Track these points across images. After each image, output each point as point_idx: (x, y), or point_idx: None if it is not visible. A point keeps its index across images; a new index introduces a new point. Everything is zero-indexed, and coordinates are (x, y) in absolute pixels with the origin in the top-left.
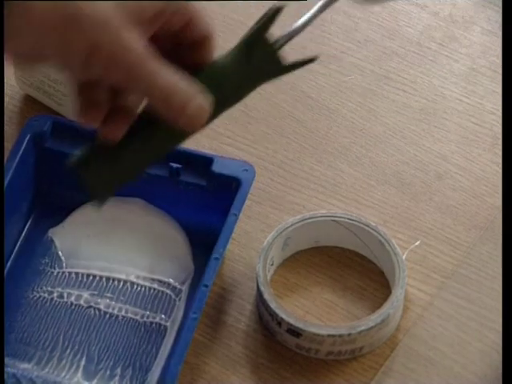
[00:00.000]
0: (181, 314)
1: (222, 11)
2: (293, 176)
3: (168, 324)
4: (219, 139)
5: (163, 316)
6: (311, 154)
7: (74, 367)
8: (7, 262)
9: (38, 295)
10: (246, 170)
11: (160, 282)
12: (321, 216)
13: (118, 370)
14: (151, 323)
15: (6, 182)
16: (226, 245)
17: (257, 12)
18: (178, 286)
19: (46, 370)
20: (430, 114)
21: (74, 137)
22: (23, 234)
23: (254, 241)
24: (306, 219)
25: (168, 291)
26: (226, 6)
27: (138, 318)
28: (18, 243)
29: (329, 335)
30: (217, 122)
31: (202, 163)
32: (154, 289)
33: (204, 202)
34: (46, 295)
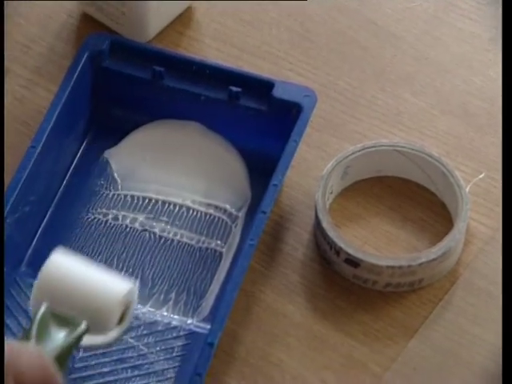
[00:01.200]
0: (236, 240)
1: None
2: (354, 104)
3: (223, 250)
4: (279, 64)
5: (219, 242)
6: (374, 81)
7: None
8: (63, 181)
9: (92, 216)
10: (308, 96)
11: (216, 207)
12: (382, 145)
13: (172, 295)
14: (206, 249)
15: (62, 101)
16: (285, 172)
17: None
18: (235, 213)
19: None
20: (499, 44)
21: (132, 57)
22: (78, 155)
23: (313, 169)
24: (367, 148)
25: (224, 217)
26: None
27: (193, 243)
28: (74, 164)
29: (388, 266)
30: (277, 46)
31: (262, 87)
32: (210, 214)
33: (263, 128)
34: (100, 217)
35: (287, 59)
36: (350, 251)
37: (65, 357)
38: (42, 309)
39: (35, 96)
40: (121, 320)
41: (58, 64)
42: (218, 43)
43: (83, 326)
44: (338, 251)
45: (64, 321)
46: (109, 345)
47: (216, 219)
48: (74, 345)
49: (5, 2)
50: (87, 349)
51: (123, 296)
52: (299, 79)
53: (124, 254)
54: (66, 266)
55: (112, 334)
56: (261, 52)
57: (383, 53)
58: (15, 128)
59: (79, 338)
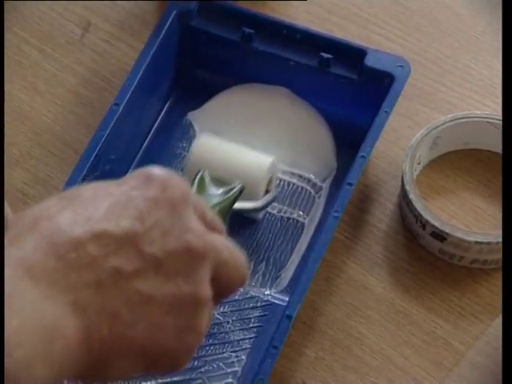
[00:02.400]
0: (320, 212)
1: None
2: (446, 73)
3: (306, 221)
4: (369, 28)
5: (301, 213)
6: (468, 50)
7: None
8: (144, 141)
9: None
10: (402, 66)
11: (300, 177)
12: (474, 116)
13: (251, 265)
14: (288, 219)
15: (147, 59)
16: (374, 143)
17: None
18: (319, 183)
19: None
20: None
21: (220, 17)
22: (161, 116)
23: (401, 138)
24: (458, 119)
25: (308, 187)
26: None
27: (274, 212)
28: (156, 124)
29: (476, 242)
30: (367, 9)
31: (354, 55)
32: (294, 184)
33: (352, 97)
34: None
35: (377, 23)
36: (437, 224)
37: (223, 215)
38: (201, 172)
39: (117, 51)
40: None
41: (141, 19)
42: (305, 5)
43: (239, 185)
44: (424, 224)
45: (220, 182)
46: (258, 210)
47: (299, 189)
48: (230, 204)
49: (5, 1)
50: (240, 212)
51: (270, 164)
52: (389, 45)
53: None
54: (215, 141)
55: (260, 202)
56: (350, 15)
57: (478, 20)
58: (95, 83)
59: (235, 197)
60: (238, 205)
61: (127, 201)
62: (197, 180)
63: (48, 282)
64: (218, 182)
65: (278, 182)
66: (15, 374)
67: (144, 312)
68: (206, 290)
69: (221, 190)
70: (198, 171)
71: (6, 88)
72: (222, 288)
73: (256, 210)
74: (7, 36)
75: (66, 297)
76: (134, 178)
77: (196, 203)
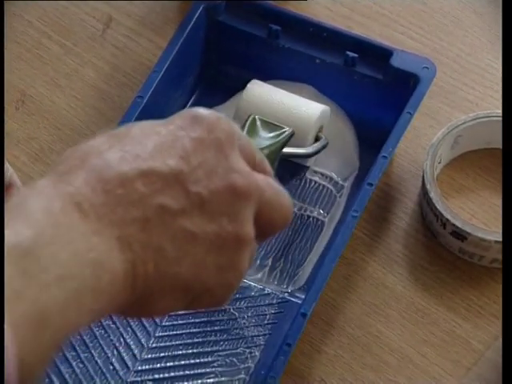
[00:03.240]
0: (340, 211)
1: None
2: (467, 71)
3: (326, 220)
4: (391, 26)
5: (321, 211)
6: (489, 49)
7: None
8: None
9: None
10: (427, 68)
11: (322, 175)
12: (496, 116)
13: (269, 261)
14: (308, 217)
15: (173, 52)
16: (396, 144)
17: None
18: (340, 182)
19: None
20: None
21: (248, 13)
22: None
23: (422, 136)
24: (479, 118)
25: (329, 186)
26: None
27: (295, 209)
28: None
29: (496, 241)
30: (389, 7)
31: (380, 55)
32: (315, 182)
33: (377, 97)
34: None
35: (399, 22)
36: (458, 224)
37: (272, 158)
38: (252, 116)
39: (138, 46)
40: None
41: (163, 15)
42: (328, 2)
43: (290, 130)
44: (445, 223)
45: (271, 126)
46: (308, 156)
47: (321, 187)
48: (279, 147)
49: (5, 1)
50: (291, 157)
51: (320, 112)
52: (411, 43)
53: None
54: (266, 87)
55: (310, 148)
56: (372, 13)
57: (499, 19)
58: (116, 78)
59: (285, 140)
60: (288, 149)
61: (174, 140)
62: (248, 123)
63: (96, 217)
64: (269, 125)
65: (299, 179)
66: (66, 306)
67: (188, 249)
68: (249, 230)
69: (271, 134)
70: (250, 115)
71: (27, 82)
72: (265, 227)
73: (306, 156)
74: (28, 30)
75: (113, 232)
76: (180, 117)
77: (243, 144)
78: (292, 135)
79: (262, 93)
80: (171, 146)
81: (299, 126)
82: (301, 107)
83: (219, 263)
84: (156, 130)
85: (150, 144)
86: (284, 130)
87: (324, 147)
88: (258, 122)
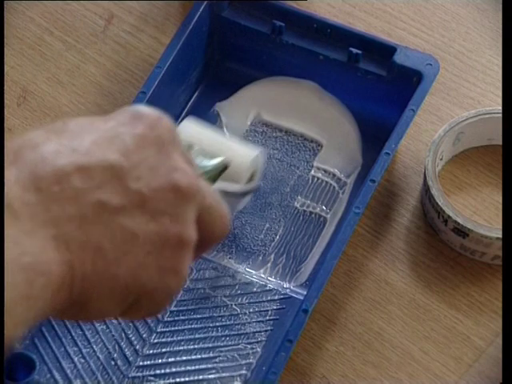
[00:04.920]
0: (343, 207)
1: None
2: (469, 68)
3: (328, 216)
4: (393, 22)
5: (324, 207)
6: (491, 46)
7: (226, 249)
8: None
9: None
10: (430, 65)
11: (325, 171)
12: (497, 112)
13: (271, 257)
14: (311, 213)
15: (177, 47)
16: (399, 141)
17: None
18: (343, 179)
19: None
20: None
21: (252, 9)
22: (189, 106)
23: (424, 133)
24: (481, 114)
25: (332, 182)
26: None
27: (297, 205)
28: (183, 114)
29: (498, 238)
30: (390, 4)
31: (383, 52)
32: (318, 178)
33: (380, 93)
34: None
35: (400, 18)
36: (459, 220)
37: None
38: (187, 143)
39: (140, 43)
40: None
41: (165, 11)
42: None
43: (224, 159)
44: (446, 220)
45: (206, 154)
46: (236, 195)
47: (323, 184)
48: (214, 176)
49: (5, 1)
50: (222, 193)
51: (255, 156)
52: (412, 40)
53: None
54: (199, 126)
55: (243, 187)
56: (373, 9)
57: (501, 16)
58: (118, 75)
59: (220, 170)
60: (220, 184)
61: (114, 136)
62: (185, 148)
63: (29, 217)
64: (204, 153)
65: (302, 175)
66: None
67: (128, 249)
68: (192, 232)
69: (207, 162)
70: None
71: (28, 79)
72: (204, 235)
73: (237, 194)
74: (30, 26)
75: (48, 231)
76: (121, 114)
77: (184, 151)
78: (227, 167)
79: (197, 131)
80: (111, 141)
81: (232, 167)
82: (236, 149)
83: (160, 265)
84: (95, 125)
85: (88, 139)
86: (219, 160)
87: (254, 190)
88: (195, 149)
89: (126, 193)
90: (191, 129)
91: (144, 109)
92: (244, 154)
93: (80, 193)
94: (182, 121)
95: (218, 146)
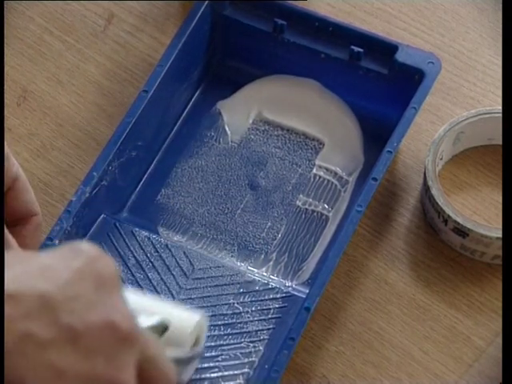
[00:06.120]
0: (344, 206)
1: None
2: (469, 68)
3: (330, 215)
4: (392, 22)
5: (326, 206)
6: (490, 45)
7: (228, 248)
8: (172, 129)
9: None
10: (432, 63)
11: (327, 170)
12: (497, 112)
13: (273, 256)
14: (313, 211)
15: (179, 46)
16: (401, 139)
17: None
18: (345, 177)
19: (199, 245)
20: None
21: (253, 7)
22: (190, 104)
23: (424, 133)
24: (481, 114)
25: (334, 181)
26: None
27: (299, 204)
28: (185, 112)
29: (498, 238)
30: (390, 3)
31: (385, 50)
32: (320, 176)
33: (382, 92)
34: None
35: (400, 18)
36: (459, 220)
37: None
38: None
39: (140, 43)
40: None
41: (165, 11)
42: None
43: (164, 318)
44: (446, 220)
45: (146, 313)
46: (183, 361)
47: (325, 182)
48: (156, 336)
49: (5, 1)
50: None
51: (196, 322)
52: (412, 40)
53: (227, 209)
54: (137, 294)
55: (187, 353)
56: (373, 9)
57: (501, 15)
58: (118, 74)
59: (161, 329)
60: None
61: (47, 267)
62: None
63: None
64: (144, 312)
65: (304, 173)
66: None
67: None
68: (128, 377)
69: (146, 319)
70: None
71: (28, 78)
72: None
73: (179, 360)
74: (30, 26)
75: None
76: (58, 248)
77: (124, 293)
78: (166, 329)
79: (136, 298)
80: (43, 272)
81: (176, 331)
82: (179, 312)
83: None
84: (27, 257)
85: (19, 268)
86: (159, 322)
87: (198, 356)
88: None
89: (57, 326)
90: (130, 296)
91: (83, 244)
92: (186, 319)
93: (6, 321)
94: (182, 121)
95: (159, 309)
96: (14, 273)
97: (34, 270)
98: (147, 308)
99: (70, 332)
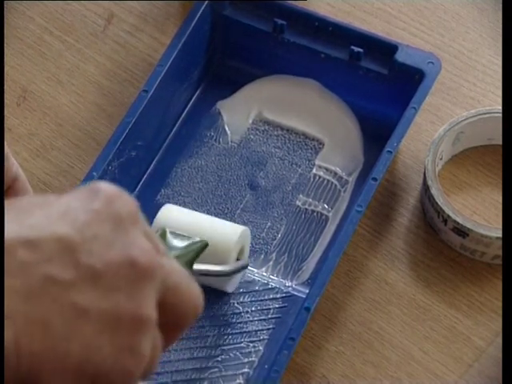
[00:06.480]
0: (344, 206)
1: None
2: (469, 68)
3: (330, 215)
4: (392, 22)
5: (326, 206)
6: (490, 45)
7: None
8: (172, 129)
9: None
10: (432, 63)
11: (326, 170)
12: (497, 112)
13: (273, 256)
14: (312, 212)
15: (179, 46)
16: (400, 139)
17: None
18: (345, 177)
19: None
20: None
21: (253, 7)
22: (190, 104)
23: (423, 133)
24: (481, 114)
25: (334, 181)
26: None
27: (299, 204)
28: (185, 112)
29: (497, 238)
30: (390, 3)
31: (385, 50)
32: (320, 176)
33: (381, 92)
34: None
35: (400, 18)
36: (459, 220)
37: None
38: (162, 228)
39: (139, 43)
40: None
41: (164, 11)
42: None
43: (202, 241)
44: (446, 219)
45: (182, 237)
46: (224, 274)
47: (325, 182)
48: (191, 258)
49: (5, 1)
50: (207, 274)
51: (240, 233)
52: (412, 40)
53: (226, 209)
54: (182, 209)
55: (227, 267)
56: (373, 9)
57: (501, 15)
58: (118, 74)
59: (198, 251)
60: (203, 266)
61: (67, 210)
62: (158, 232)
63: None
64: (180, 237)
65: (303, 173)
66: None
67: (79, 326)
68: (150, 312)
69: (182, 244)
70: (159, 228)
71: (28, 78)
72: (171, 317)
73: (222, 274)
74: (30, 26)
75: None
76: (78, 190)
77: (148, 231)
78: (205, 247)
79: (178, 215)
80: (63, 215)
81: (218, 247)
82: (221, 228)
83: (115, 345)
84: (48, 201)
85: (38, 213)
86: (196, 241)
87: (244, 268)
88: (168, 234)
89: (77, 267)
90: (170, 213)
91: (102, 184)
92: (229, 233)
93: (26, 265)
94: (181, 121)
95: (200, 226)
96: (35, 218)
97: (54, 213)
98: (189, 226)
99: (90, 272)
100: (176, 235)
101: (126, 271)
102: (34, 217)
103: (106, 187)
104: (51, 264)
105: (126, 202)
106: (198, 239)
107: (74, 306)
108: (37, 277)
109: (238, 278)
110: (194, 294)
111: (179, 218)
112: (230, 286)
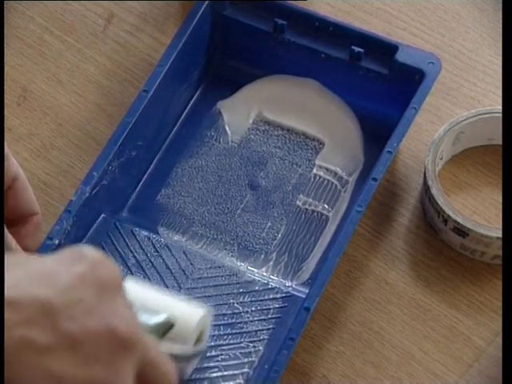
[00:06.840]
0: (344, 206)
1: None
2: (469, 68)
3: (330, 215)
4: (392, 22)
5: (326, 206)
6: (490, 45)
7: (228, 248)
8: (173, 128)
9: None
10: (432, 63)
11: (327, 170)
12: (497, 112)
13: (273, 256)
14: (313, 212)
15: (179, 46)
16: (401, 139)
17: None
18: (345, 177)
19: (199, 245)
20: None
21: (253, 7)
22: (190, 104)
23: (424, 133)
24: (481, 114)
25: (334, 181)
26: None
27: (299, 204)
28: (185, 112)
29: (498, 238)
30: (390, 3)
31: (385, 50)
32: (320, 176)
33: (382, 92)
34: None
35: (400, 18)
36: (459, 220)
37: None
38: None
39: (140, 43)
40: (197, 341)
41: (165, 11)
42: None
43: (169, 316)
44: (446, 219)
45: (149, 311)
46: (186, 359)
47: (325, 182)
48: (159, 335)
49: (5, 1)
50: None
51: (200, 318)
52: (412, 40)
53: (227, 209)
54: (142, 286)
55: (190, 350)
56: (373, 9)
57: (501, 15)
58: (118, 74)
59: (165, 327)
60: (164, 346)
61: (49, 273)
62: None
63: None
64: (147, 310)
65: (304, 174)
66: None
67: None
68: (128, 383)
69: (148, 318)
70: None
71: (28, 78)
72: None
73: (180, 358)
74: (30, 26)
75: None
76: (62, 253)
77: (128, 298)
78: (172, 325)
79: (139, 290)
80: (45, 277)
81: (179, 326)
82: (183, 307)
83: None
84: (32, 261)
85: (20, 273)
86: (163, 316)
87: (200, 354)
88: (137, 305)
89: (56, 332)
90: (133, 288)
91: (87, 249)
92: (190, 314)
93: (4, 327)
94: (182, 121)
95: (163, 304)
96: (15, 277)
97: (35, 274)
98: (152, 303)
99: (69, 338)
100: (141, 309)
101: (105, 340)
102: (16, 276)
103: (91, 252)
104: (29, 326)
105: (111, 268)
106: (164, 315)
107: (50, 373)
108: (14, 339)
109: (195, 362)
110: (171, 371)
111: (141, 294)
112: (188, 370)
